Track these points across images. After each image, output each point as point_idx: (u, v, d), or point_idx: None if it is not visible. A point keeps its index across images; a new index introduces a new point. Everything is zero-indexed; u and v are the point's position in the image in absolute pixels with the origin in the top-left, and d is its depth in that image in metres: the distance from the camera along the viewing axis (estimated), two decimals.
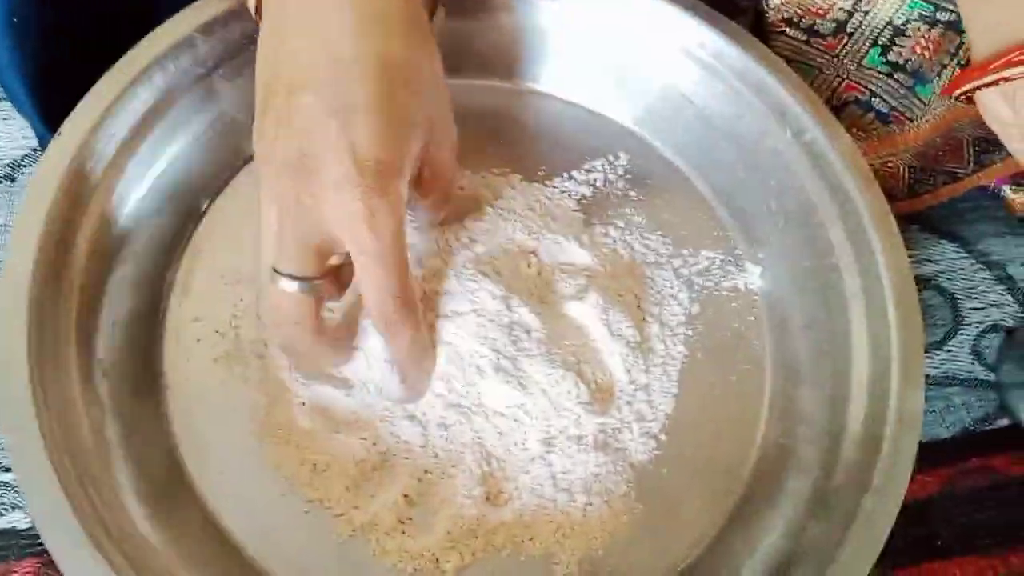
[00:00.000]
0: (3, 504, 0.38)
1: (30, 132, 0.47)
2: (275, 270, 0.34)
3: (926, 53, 0.52)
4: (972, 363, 0.52)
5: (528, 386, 0.39)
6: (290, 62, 0.33)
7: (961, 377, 0.50)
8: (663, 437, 0.42)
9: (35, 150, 0.48)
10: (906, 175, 0.53)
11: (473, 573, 0.38)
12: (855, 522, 0.37)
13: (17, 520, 0.38)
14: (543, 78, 0.51)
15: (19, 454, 0.33)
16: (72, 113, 0.40)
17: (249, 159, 0.46)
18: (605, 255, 0.45)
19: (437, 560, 0.38)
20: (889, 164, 0.53)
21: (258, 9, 0.36)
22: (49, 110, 0.43)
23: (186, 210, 0.44)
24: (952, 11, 0.52)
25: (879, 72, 0.53)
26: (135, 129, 0.42)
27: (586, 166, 0.49)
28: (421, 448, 0.39)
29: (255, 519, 0.38)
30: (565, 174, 0.48)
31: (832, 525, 0.37)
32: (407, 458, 0.39)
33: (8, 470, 0.39)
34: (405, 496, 0.39)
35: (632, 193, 0.48)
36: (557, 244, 0.44)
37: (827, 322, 0.44)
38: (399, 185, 0.33)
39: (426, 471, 0.39)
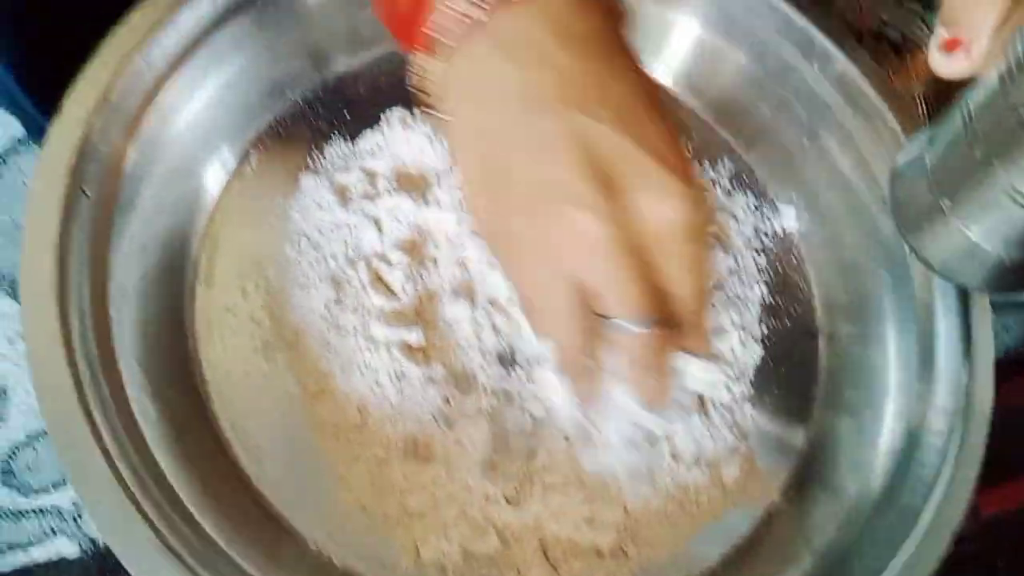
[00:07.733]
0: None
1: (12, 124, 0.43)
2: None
3: None
4: None
5: None
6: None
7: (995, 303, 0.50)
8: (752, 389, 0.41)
9: (20, 141, 0.43)
10: (923, 107, 0.54)
11: None
12: (950, 450, 0.36)
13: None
14: None
15: (79, 469, 0.30)
16: (69, 91, 0.37)
17: (256, 141, 0.43)
18: None
19: None
20: None
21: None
22: (40, 96, 0.39)
23: (195, 197, 0.41)
24: None
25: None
26: (139, 105, 0.38)
27: None
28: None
29: (323, 522, 0.36)
30: None
31: (927, 455, 0.37)
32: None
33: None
34: None
35: None
36: None
37: (867, 261, 0.43)
38: None
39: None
